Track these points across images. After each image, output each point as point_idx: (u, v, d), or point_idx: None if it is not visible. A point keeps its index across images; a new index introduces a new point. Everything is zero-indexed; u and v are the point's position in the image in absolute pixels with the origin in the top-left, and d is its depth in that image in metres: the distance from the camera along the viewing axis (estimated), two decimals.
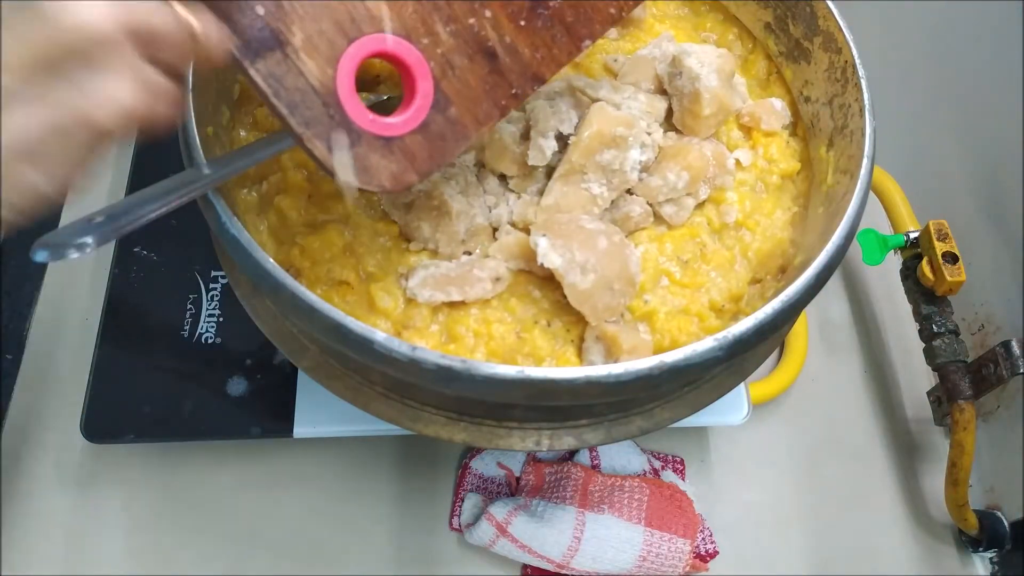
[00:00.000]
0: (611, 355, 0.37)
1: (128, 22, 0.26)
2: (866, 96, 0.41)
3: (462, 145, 0.36)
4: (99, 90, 0.26)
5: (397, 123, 0.34)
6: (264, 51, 0.31)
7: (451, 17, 0.35)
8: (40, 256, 0.27)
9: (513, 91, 0.36)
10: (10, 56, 0.25)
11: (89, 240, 0.28)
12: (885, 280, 0.66)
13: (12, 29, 0.25)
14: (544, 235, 0.37)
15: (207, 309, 0.53)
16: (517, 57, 0.36)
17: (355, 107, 0.33)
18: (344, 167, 0.33)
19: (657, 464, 0.56)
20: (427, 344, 0.38)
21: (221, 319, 0.53)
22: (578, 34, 0.38)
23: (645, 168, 0.42)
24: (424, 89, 0.34)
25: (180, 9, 0.28)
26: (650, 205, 0.42)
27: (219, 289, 0.54)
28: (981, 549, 0.57)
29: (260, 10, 0.30)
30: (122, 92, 0.26)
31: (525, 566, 0.52)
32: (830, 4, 0.44)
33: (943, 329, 0.56)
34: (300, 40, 0.31)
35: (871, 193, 0.46)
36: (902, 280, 0.59)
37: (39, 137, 0.26)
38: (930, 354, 0.56)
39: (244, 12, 0.30)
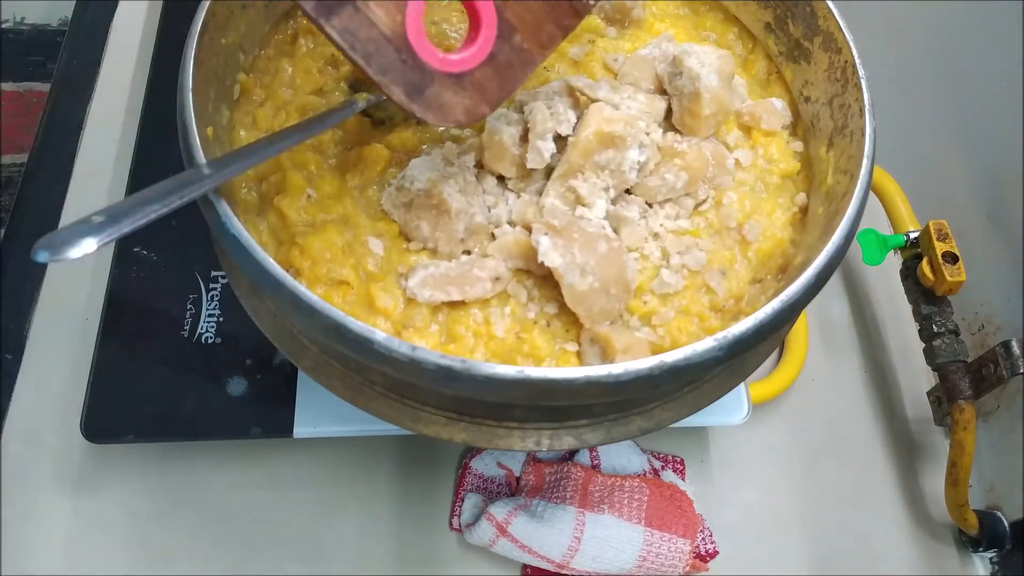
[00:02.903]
0: (606, 356, 0.37)
1: None
2: (866, 96, 0.41)
3: (529, 71, 0.37)
4: None
5: (466, 58, 0.35)
6: (337, 7, 0.32)
7: None
8: (40, 256, 0.27)
9: (575, 8, 0.38)
10: None
11: (89, 240, 0.28)
12: (885, 280, 0.66)
13: None
14: (546, 234, 0.37)
15: (207, 309, 0.53)
16: None
17: (425, 49, 0.34)
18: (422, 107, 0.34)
19: (657, 464, 0.56)
20: (427, 344, 0.38)
21: (221, 319, 0.53)
22: None
23: (644, 168, 0.42)
24: (488, 20, 0.35)
25: None
26: (649, 205, 0.42)
27: (219, 289, 0.54)
28: (981, 549, 0.57)
29: None
30: None
31: (525, 566, 0.52)
32: (830, 4, 0.44)
33: (943, 329, 0.56)
34: None
35: (871, 193, 0.46)
36: (902, 280, 0.59)
37: None
38: (930, 354, 0.56)
39: None
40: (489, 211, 0.41)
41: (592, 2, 0.38)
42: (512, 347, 0.38)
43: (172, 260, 0.55)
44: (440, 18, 0.49)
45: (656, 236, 0.42)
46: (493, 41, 0.36)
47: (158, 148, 0.59)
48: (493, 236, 0.41)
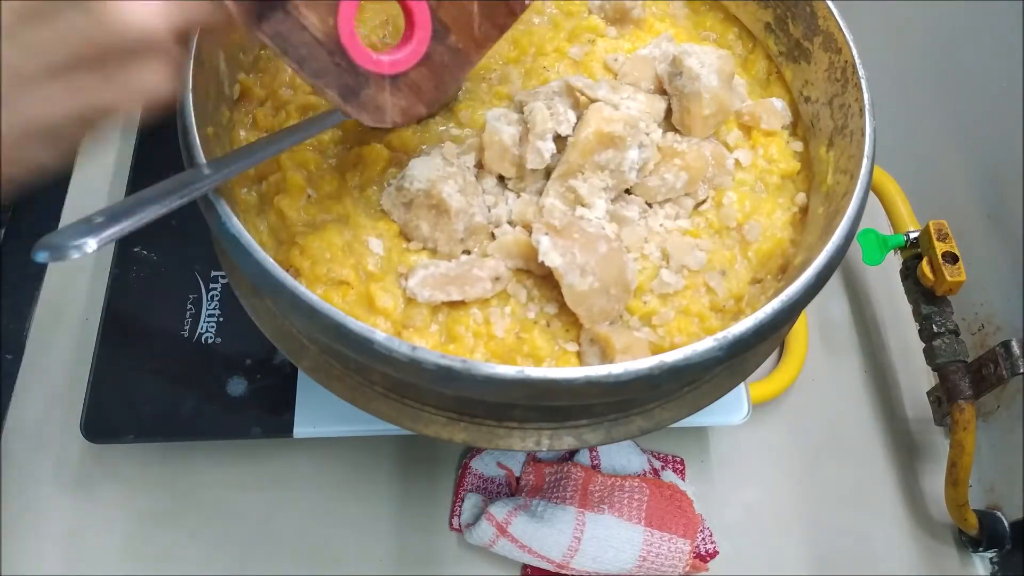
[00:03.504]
0: (606, 356, 0.37)
1: (180, 24, 0.26)
2: (866, 96, 0.41)
3: (466, 70, 0.38)
4: (132, 83, 0.26)
5: (400, 59, 0.35)
6: (268, 12, 0.31)
7: None
8: (41, 256, 0.27)
9: (511, 7, 0.38)
10: (49, 46, 0.24)
11: (89, 240, 0.28)
12: (885, 280, 0.66)
13: (54, 22, 0.24)
14: (546, 234, 0.37)
15: (207, 309, 0.53)
16: None
17: (359, 51, 0.34)
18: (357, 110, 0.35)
19: (657, 464, 0.56)
20: (427, 344, 0.38)
21: (221, 319, 0.53)
22: None
23: (643, 168, 0.42)
24: (422, 21, 0.35)
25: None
26: (649, 205, 0.42)
27: (219, 289, 0.54)
28: (981, 549, 0.57)
29: None
30: (155, 83, 0.26)
31: (525, 566, 0.52)
32: (830, 4, 0.44)
33: (943, 329, 0.56)
34: None
35: (871, 193, 0.46)
36: (902, 280, 0.59)
37: (60, 123, 0.25)
38: (930, 354, 0.56)
39: None
40: (489, 211, 0.41)
41: (527, 1, 0.38)
42: (512, 347, 0.38)
43: (172, 260, 0.55)
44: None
45: (656, 236, 0.42)
46: (427, 42, 0.36)
47: (158, 148, 0.59)
48: (493, 236, 0.41)
